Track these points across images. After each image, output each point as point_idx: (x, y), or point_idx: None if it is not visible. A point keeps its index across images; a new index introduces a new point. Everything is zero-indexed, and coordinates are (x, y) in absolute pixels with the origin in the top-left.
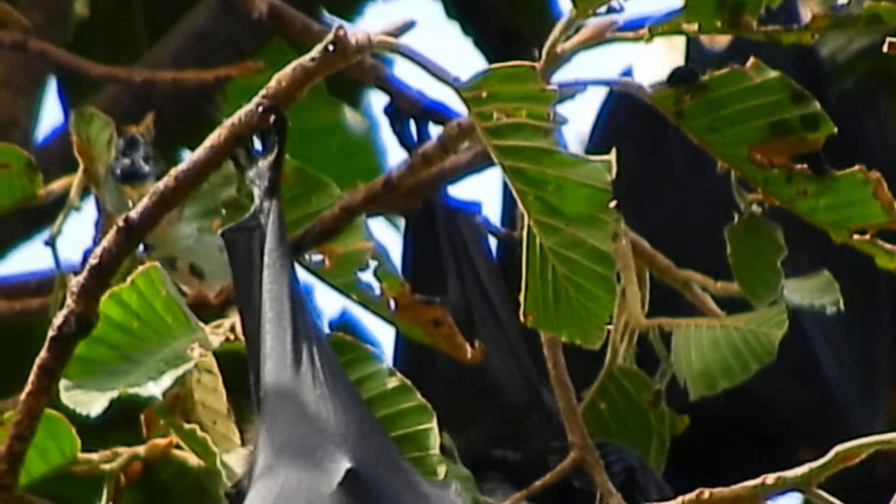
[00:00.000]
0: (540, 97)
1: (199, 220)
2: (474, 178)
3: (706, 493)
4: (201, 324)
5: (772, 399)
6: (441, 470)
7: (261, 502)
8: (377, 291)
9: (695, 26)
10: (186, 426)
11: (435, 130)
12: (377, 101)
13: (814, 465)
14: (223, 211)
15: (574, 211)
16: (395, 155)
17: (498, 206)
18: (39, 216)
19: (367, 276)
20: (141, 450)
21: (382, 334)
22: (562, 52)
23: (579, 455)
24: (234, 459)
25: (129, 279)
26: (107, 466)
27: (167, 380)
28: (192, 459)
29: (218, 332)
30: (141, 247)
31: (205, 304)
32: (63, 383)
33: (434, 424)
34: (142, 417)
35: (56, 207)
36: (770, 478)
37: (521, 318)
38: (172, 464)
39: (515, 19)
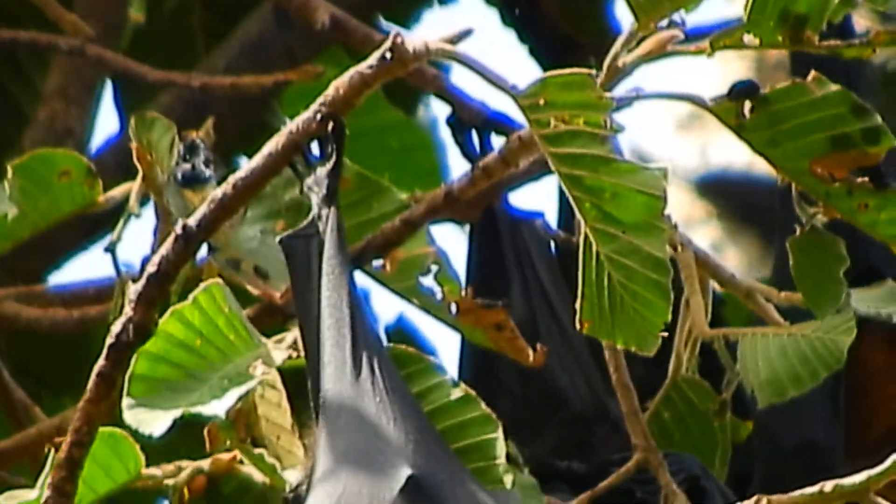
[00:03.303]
0: (597, 105)
1: (263, 223)
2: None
3: (764, 500)
4: (264, 339)
5: None
6: (508, 479)
7: None
8: (438, 296)
9: (756, 41)
10: (253, 449)
11: (497, 140)
12: (436, 104)
13: (872, 472)
14: (285, 213)
15: (630, 218)
16: (454, 152)
17: (555, 212)
18: (96, 225)
19: (428, 281)
20: (205, 464)
21: (442, 342)
22: (623, 66)
23: (643, 457)
24: (297, 474)
25: (190, 297)
26: (171, 481)
27: (230, 398)
28: (257, 475)
29: (280, 348)
30: (206, 248)
31: (270, 305)
32: (126, 402)
33: (500, 434)
34: (205, 432)
35: (112, 216)
36: (828, 485)
37: (577, 326)
38: (236, 478)
39: (573, 28)
